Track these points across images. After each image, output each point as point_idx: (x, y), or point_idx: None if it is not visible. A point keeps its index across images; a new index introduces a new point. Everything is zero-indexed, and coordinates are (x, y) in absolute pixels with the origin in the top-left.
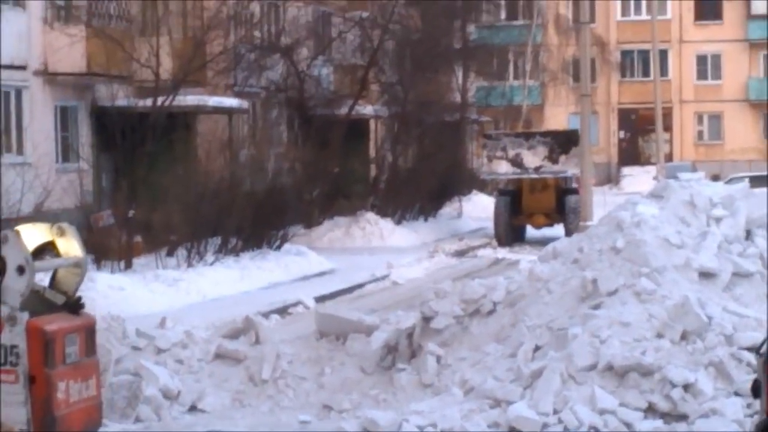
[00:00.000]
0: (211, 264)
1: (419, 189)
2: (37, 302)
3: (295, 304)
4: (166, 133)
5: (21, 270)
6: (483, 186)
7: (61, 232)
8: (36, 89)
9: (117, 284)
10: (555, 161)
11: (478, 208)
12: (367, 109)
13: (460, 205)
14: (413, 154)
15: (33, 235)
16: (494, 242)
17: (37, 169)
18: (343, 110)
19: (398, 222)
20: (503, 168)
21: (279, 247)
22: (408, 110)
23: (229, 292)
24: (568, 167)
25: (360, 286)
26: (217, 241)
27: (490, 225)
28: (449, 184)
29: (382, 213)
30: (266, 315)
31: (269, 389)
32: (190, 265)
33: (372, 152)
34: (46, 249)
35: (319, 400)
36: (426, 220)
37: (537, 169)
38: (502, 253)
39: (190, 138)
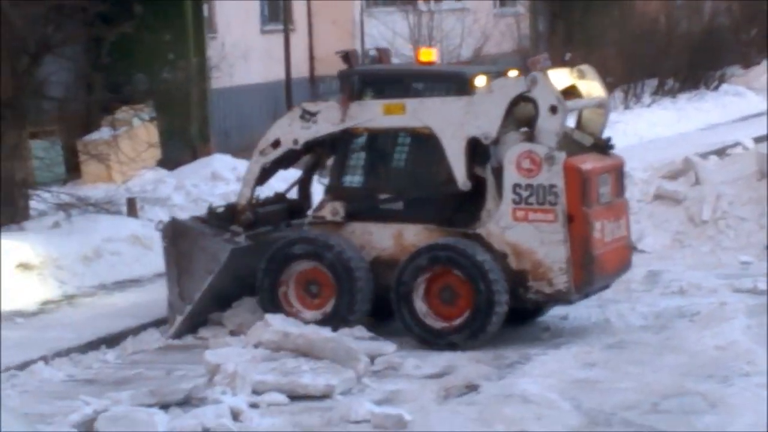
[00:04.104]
0: (648, 106)
1: None
2: (567, 143)
3: (734, 145)
4: None
5: (553, 110)
6: None
7: (582, 74)
8: None
9: None
10: None
11: None
12: None
13: None
14: None
15: (554, 78)
16: None
17: (476, 14)
18: None
19: None
20: None
21: (716, 88)
22: None
23: (666, 133)
24: None
25: None
26: (654, 82)
27: None
28: None
29: None
30: (704, 156)
31: (709, 230)
32: (627, 107)
33: None
34: (567, 92)
35: (759, 241)
36: None
37: None
38: None
39: None
